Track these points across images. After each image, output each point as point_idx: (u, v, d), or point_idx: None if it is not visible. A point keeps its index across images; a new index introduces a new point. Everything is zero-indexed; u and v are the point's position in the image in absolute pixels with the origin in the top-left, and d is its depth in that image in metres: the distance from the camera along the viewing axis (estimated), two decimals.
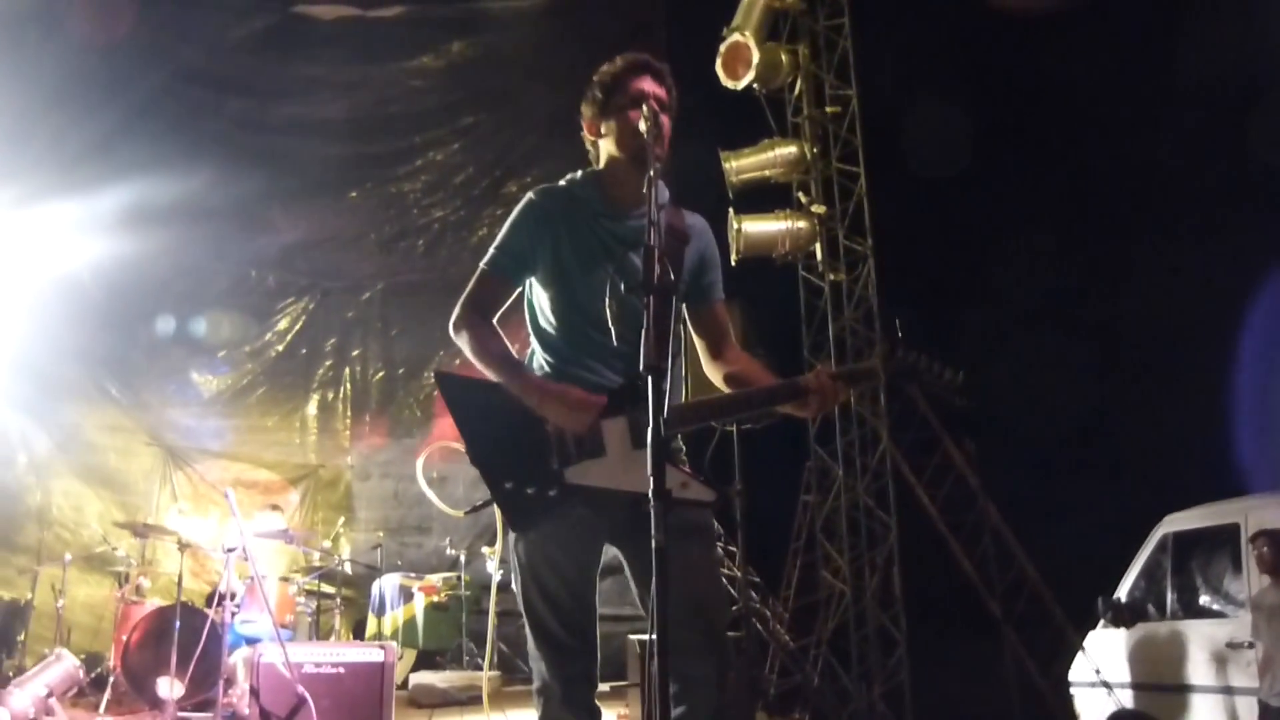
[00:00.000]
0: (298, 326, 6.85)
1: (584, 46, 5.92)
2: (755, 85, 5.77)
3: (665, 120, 2.09)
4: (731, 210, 5.70)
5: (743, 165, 5.80)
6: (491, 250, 2.13)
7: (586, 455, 1.97)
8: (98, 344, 6.11)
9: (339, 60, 6.71)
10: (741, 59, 5.74)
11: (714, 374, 2.16)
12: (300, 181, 6.59)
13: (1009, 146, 6.16)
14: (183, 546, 4.35)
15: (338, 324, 6.89)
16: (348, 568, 5.28)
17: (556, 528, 1.97)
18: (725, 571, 5.77)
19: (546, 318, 2.13)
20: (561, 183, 2.20)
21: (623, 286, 2.07)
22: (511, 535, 2.03)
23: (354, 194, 6.90)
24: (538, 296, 2.13)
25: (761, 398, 2.05)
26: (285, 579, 4.97)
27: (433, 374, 6.77)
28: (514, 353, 2.12)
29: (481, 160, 7.00)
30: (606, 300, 2.07)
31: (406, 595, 5.54)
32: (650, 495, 1.63)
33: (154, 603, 4.49)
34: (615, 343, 2.03)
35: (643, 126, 1.97)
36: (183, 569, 4.25)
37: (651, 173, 1.94)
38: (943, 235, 6.16)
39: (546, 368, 2.11)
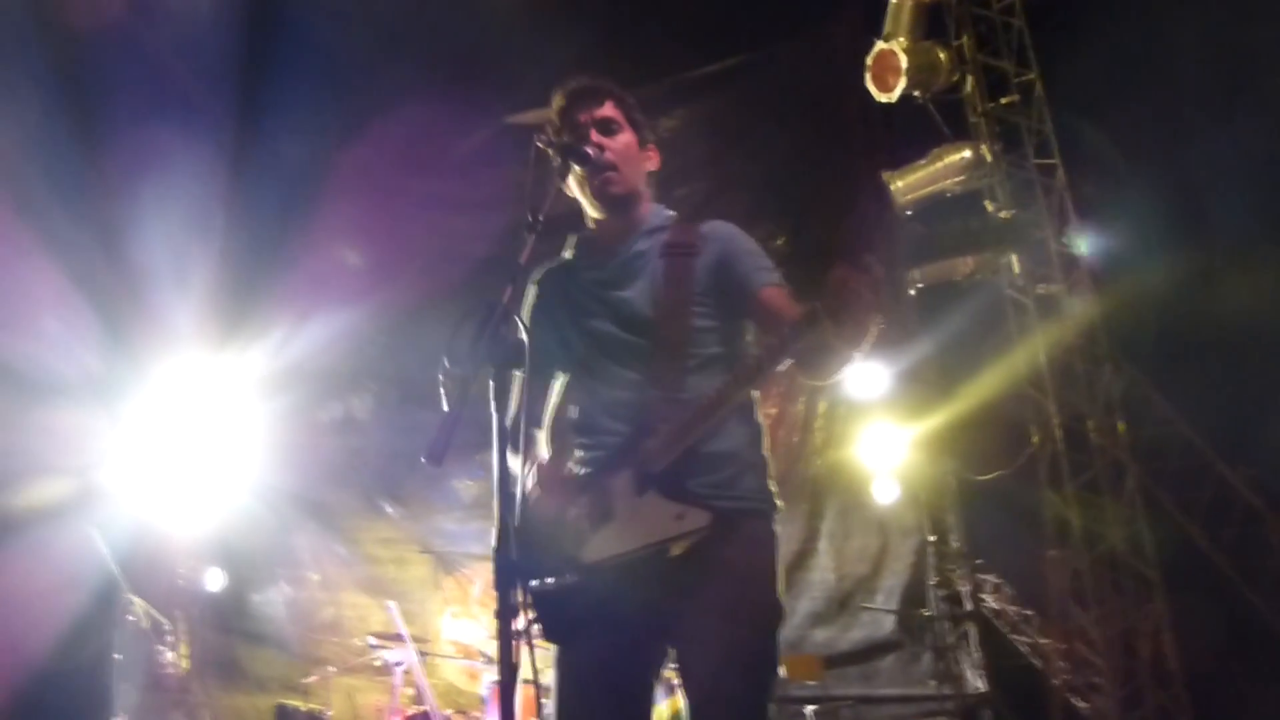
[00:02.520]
0: None
1: (784, 100, 5.98)
2: (916, 93, 5.29)
3: (613, 141, 2.09)
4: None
5: (910, 183, 5.34)
6: None
7: (598, 525, 1.90)
8: (370, 465, 6.59)
9: None
10: (890, 67, 5.34)
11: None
12: None
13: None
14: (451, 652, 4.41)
15: None
16: None
17: (593, 641, 1.89)
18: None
19: (571, 397, 2.12)
20: (566, 252, 2.22)
21: (610, 325, 2.03)
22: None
23: None
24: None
25: (761, 357, 1.85)
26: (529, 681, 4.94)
27: None
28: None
29: None
30: (597, 348, 2.04)
31: (669, 689, 5.40)
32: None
33: (418, 709, 4.59)
34: (620, 391, 2.00)
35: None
36: (450, 675, 4.31)
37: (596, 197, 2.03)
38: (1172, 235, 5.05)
39: (576, 451, 2.08)
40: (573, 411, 2.15)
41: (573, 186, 2.14)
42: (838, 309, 1.68)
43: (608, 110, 2.14)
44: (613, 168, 2.10)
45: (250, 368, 5.77)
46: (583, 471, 2.07)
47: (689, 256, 2.08)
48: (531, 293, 2.22)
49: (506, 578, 1.59)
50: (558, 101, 2.15)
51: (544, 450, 2.17)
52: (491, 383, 1.74)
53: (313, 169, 5.69)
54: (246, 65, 5.34)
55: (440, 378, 1.73)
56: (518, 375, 1.84)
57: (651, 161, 2.24)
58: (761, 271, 2.09)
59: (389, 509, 6.73)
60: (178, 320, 5.50)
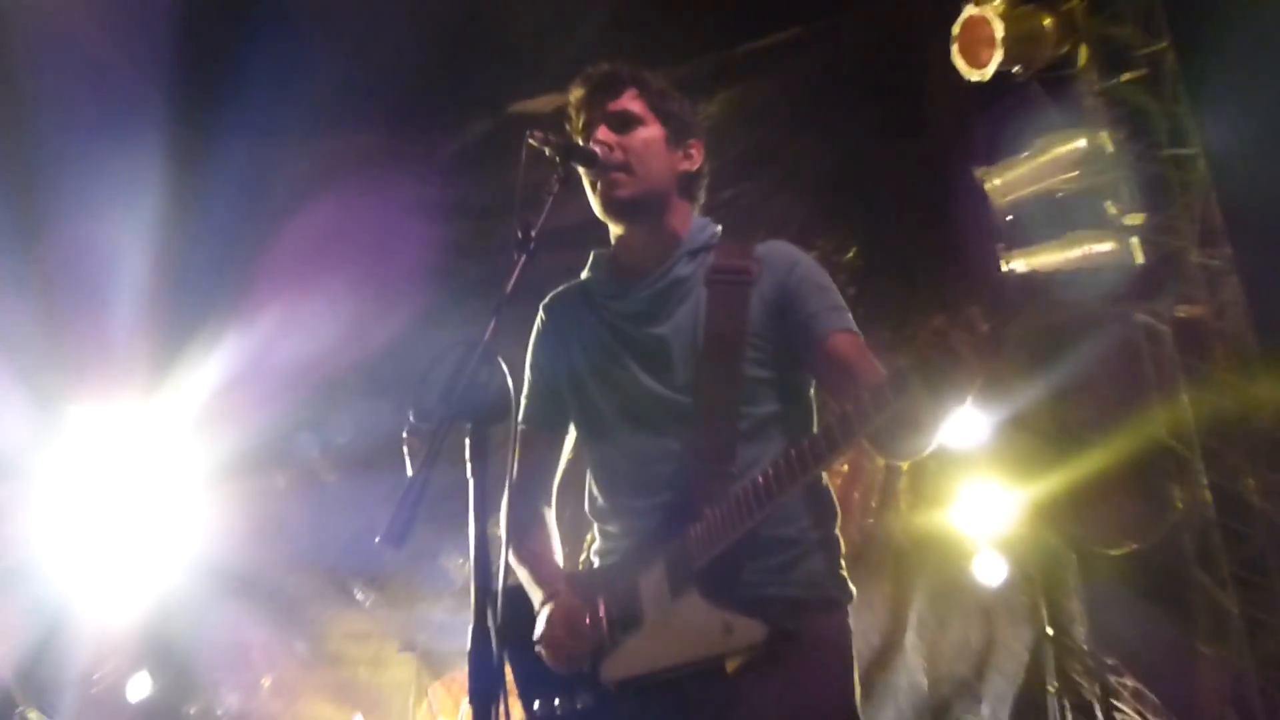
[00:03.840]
0: None
1: (851, 82, 5.91)
2: (1016, 69, 5.10)
3: (627, 137, 2.13)
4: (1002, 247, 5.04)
5: (1011, 181, 5.16)
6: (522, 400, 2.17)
7: (621, 633, 1.91)
8: (337, 540, 6.41)
9: None
10: (982, 38, 5.14)
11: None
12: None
13: None
14: None
15: None
16: None
17: None
18: None
19: (589, 466, 2.15)
20: (584, 273, 2.28)
21: (639, 372, 2.04)
22: None
23: None
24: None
25: (839, 430, 1.81)
26: None
27: None
28: (550, 534, 2.14)
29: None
30: (622, 401, 2.06)
31: None
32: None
33: None
34: (652, 460, 2.01)
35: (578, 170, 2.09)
36: None
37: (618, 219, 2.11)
38: None
39: (597, 539, 2.13)
40: (590, 483, 2.17)
41: (588, 194, 2.20)
42: (933, 373, 1.64)
43: (626, 102, 2.19)
44: (622, 168, 2.13)
45: (189, 418, 5.72)
46: (602, 562, 2.10)
47: (741, 286, 2.10)
48: (538, 325, 2.28)
49: (486, 691, 1.52)
50: (575, 94, 2.23)
51: (551, 531, 2.19)
52: (468, 440, 1.72)
53: (271, 177, 5.74)
54: (197, 52, 5.34)
55: (404, 435, 1.74)
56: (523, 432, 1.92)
57: (688, 160, 2.25)
58: (831, 313, 2.09)
59: (361, 595, 6.70)
60: (103, 358, 5.48)
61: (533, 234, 1.86)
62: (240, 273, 5.62)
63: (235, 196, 5.52)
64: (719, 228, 2.27)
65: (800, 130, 6.37)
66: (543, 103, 5.49)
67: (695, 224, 2.25)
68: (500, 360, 1.74)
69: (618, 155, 2.14)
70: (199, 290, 5.70)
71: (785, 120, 6.38)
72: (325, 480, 6.62)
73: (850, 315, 2.12)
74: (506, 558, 1.77)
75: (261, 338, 5.56)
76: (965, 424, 5.68)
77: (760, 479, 1.87)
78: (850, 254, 5.88)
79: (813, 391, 2.16)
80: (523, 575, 2.13)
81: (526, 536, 2.15)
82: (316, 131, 5.56)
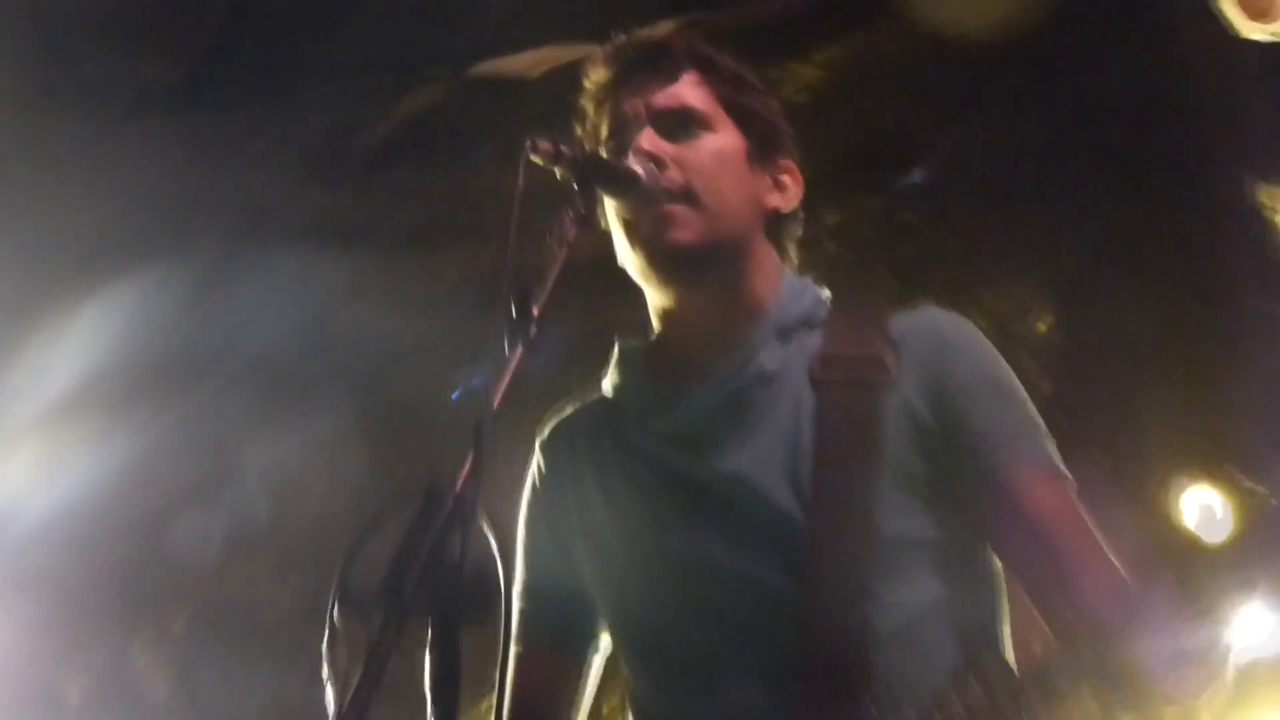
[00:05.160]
0: None
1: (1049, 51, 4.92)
2: None
3: (687, 148, 1.94)
4: None
5: None
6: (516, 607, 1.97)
7: None
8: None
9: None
10: None
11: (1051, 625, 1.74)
12: None
13: None
14: None
15: None
16: None
17: None
18: None
19: (631, 700, 1.98)
20: (606, 378, 2.07)
21: (706, 538, 1.86)
22: None
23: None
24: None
25: None
26: None
27: None
28: None
29: None
30: (680, 593, 1.88)
31: None
32: None
33: None
34: (736, 690, 1.80)
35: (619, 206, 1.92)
36: None
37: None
38: None
39: None
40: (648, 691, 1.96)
41: (616, 240, 1.99)
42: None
43: (684, 92, 1.98)
44: (683, 195, 1.90)
45: None
46: None
47: (869, 389, 1.87)
48: (533, 475, 2.09)
49: None
50: (597, 76, 2.04)
51: None
52: (431, 657, 1.40)
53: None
54: None
55: (324, 647, 1.43)
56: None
57: (779, 190, 2.05)
58: (1016, 438, 1.85)
59: None
60: None
61: (535, 311, 1.55)
62: None
63: None
64: (825, 291, 2.05)
65: (952, 112, 4.94)
66: (520, 63, 5.13)
67: (788, 286, 2.02)
68: (483, 522, 1.43)
69: (674, 176, 1.90)
70: None
71: (928, 96, 4.91)
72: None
73: (1050, 441, 1.87)
74: None
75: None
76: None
77: None
78: (1042, 324, 4.97)
79: (996, 562, 1.91)
80: None
81: None
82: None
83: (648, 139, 1.92)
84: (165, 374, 5.21)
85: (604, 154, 1.96)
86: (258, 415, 5.21)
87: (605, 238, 2.04)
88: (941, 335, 1.93)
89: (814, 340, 1.96)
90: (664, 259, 1.93)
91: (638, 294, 2.08)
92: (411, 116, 5.31)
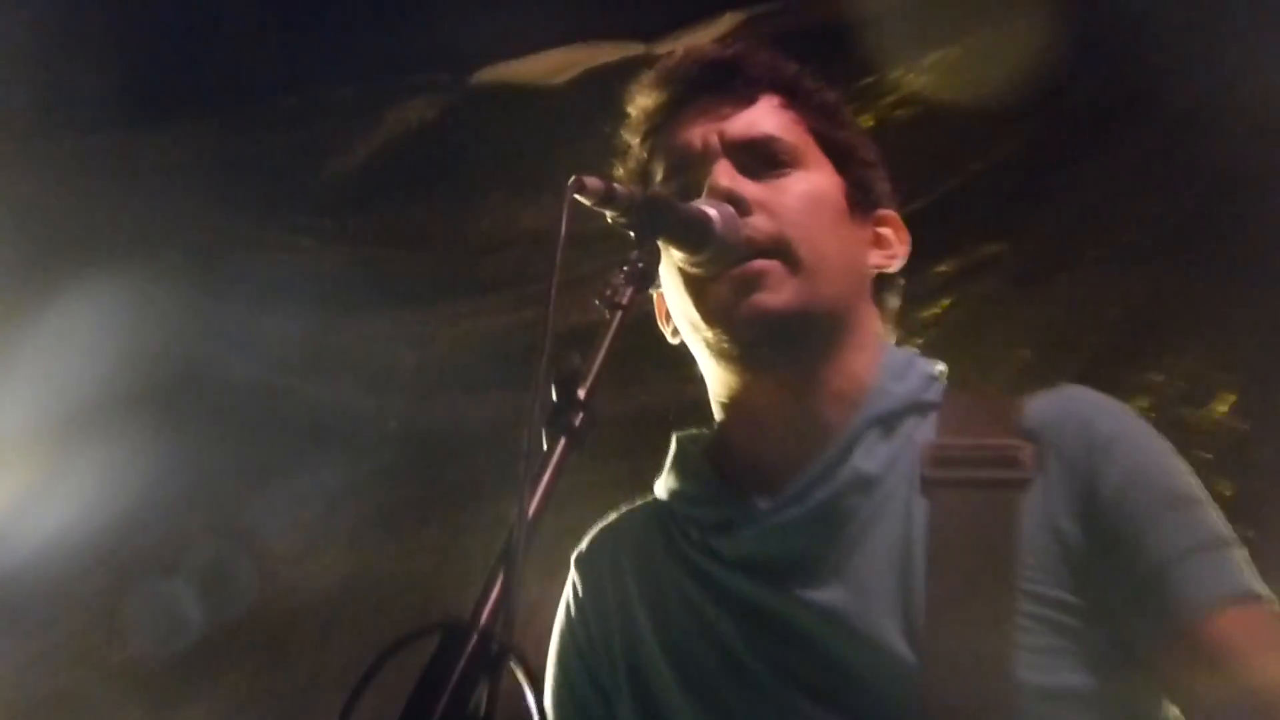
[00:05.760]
0: None
1: None
2: None
3: (773, 190, 1.97)
4: None
5: None
6: None
7: None
8: None
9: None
10: None
11: None
12: None
13: None
14: None
15: None
16: None
17: None
18: None
19: None
20: (660, 483, 2.13)
21: (792, 696, 1.87)
22: None
23: None
24: None
25: None
26: None
27: None
28: None
29: None
30: None
31: None
32: None
33: None
34: None
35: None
36: None
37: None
38: None
39: None
40: None
41: (675, 303, 2.04)
42: None
43: (764, 118, 2.03)
44: (773, 249, 1.92)
45: None
46: None
47: (996, 494, 1.85)
48: (567, 599, 2.14)
49: None
50: (646, 98, 2.10)
51: None
52: None
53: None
54: None
55: None
56: None
57: (883, 246, 2.10)
58: (1202, 560, 1.78)
59: None
60: None
61: (581, 394, 1.51)
62: None
63: None
64: (938, 366, 2.06)
65: (1098, 134, 4.97)
66: (541, 66, 5.19)
67: (890, 363, 2.05)
68: (514, 665, 1.37)
69: (761, 224, 1.91)
70: None
71: (1071, 112, 4.98)
72: None
73: (1240, 551, 1.80)
74: None
75: None
76: None
77: None
78: (1220, 404, 4.82)
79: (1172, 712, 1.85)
80: None
81: None
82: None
83: (725, 173, 1.94)
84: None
85: (663, 191, 1.98)
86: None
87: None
88: (1091, 423, 1.90)
89: (925, 431, 1.97)
90: (746, 329, 1.94)
91: (688, 366, 2.10)
92: (398, 137, 5.37)
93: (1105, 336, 4.85)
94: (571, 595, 2.17)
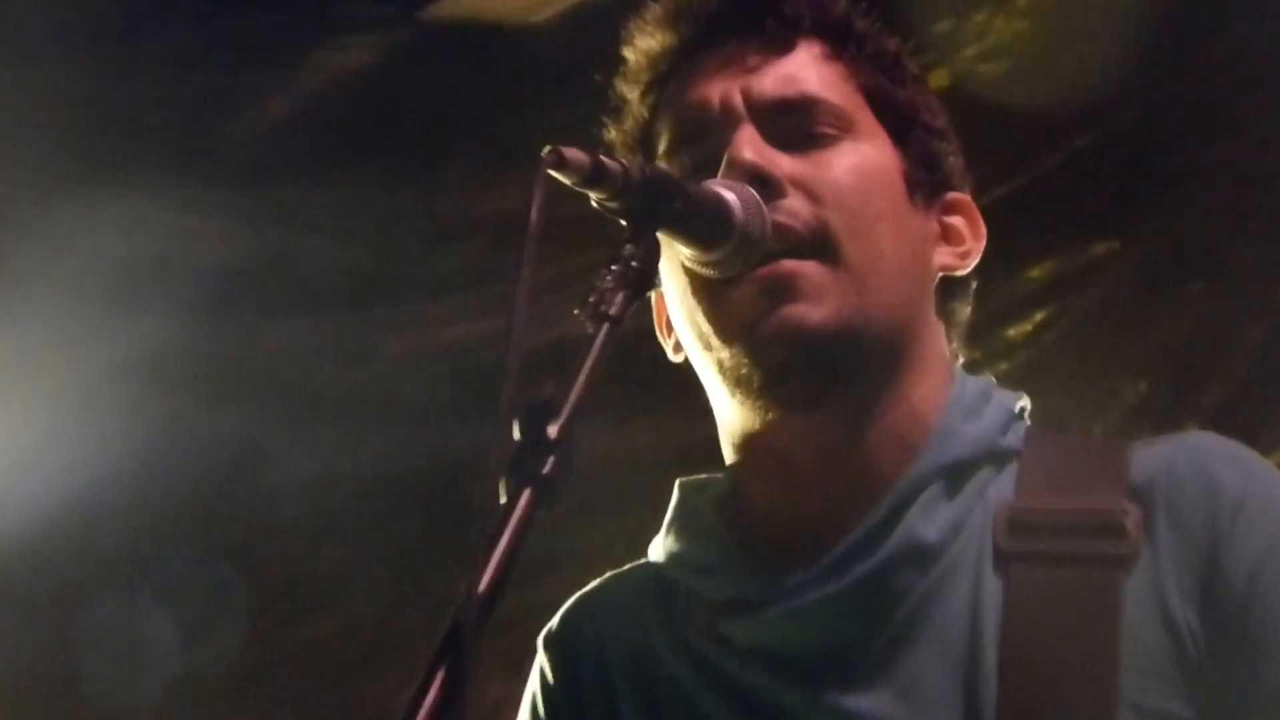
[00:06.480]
0: None
1: None
2: None
3: (814, 164, 1.98)
4: None
5: None
6: None
7: None
8: None
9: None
10: None
11: None
12: None
13: None
14: None
15: None
16: None
17: None
18: None
19: None
20: (658, 545, 2.16)
21: None
22: None
23: None
24: None
25: None
26: None
27: None
28: None
29: None
30: None
31: None
32: None
33: None
34: None
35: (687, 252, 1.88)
36: None
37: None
38: None
39: None
40: None
41: (678, 313, 2.04)
42: None
43: (804, 71, 2.04)
44: (811, 243, 1.93)
45: None
46: None
47: (1092, 571, 1.88)
48: (533, 688, 2.16)
49: None
50: (649, 39, 2.11)
51: None
52: None
53: None
54: None
55: None
56: None
57: (953, 241, 2.12)
58: None
59: None
60: None
61: (554, 428, 1.52)
62: None
63: None
64: (1023, 401, 2.07)
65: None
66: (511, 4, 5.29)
67: (960, 395, 2.05)
68: None
69: (797, 208, 1.91)
70: None
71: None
72: None
73: None
74: None
75: None
76: None
77: None
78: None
79: None
80: None
81: None
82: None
83: (750, 144, 1.94)
84: None
85: (673, 170, 1.96)
86: None
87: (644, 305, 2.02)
88: (1217, 481, 1.89)
89: (1002, 487, 1.98)
90: (773, 350, 1.92)
91: (697, 394, 2.11)
92: (325, 86, 5.44)
93: (1249, 363, 4.91)
94: (539, 685, 2.19)
